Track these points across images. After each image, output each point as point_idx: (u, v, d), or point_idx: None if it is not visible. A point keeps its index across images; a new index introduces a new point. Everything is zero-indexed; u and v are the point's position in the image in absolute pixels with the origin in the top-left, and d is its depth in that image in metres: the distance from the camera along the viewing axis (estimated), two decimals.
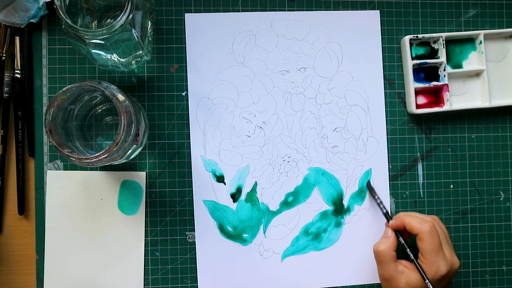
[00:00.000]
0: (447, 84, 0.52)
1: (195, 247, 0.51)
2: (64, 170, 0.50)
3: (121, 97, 0.41)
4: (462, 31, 0.55)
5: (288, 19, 0.53)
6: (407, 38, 0.52)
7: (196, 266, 0.51)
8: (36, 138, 0.50)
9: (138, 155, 0.51)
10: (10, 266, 0.50)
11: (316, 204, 0.52)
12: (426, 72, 0.53)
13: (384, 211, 0.50)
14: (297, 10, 0.53)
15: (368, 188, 0.53)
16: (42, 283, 0.50)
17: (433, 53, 0.53)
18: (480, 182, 0.55)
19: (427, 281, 0.43)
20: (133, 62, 0.48)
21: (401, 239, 0.47)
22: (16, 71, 0.49)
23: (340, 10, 0.53)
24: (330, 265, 0.52)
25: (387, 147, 0.53)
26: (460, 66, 0.54)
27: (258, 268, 0.52)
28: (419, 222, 0.45)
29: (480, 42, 0.53)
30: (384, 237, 0.48)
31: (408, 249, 0.46)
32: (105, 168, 0.51)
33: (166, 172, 0.51)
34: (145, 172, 0.51)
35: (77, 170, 0.50)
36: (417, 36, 0.52)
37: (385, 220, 0.50)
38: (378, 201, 0.51)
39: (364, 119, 0.53)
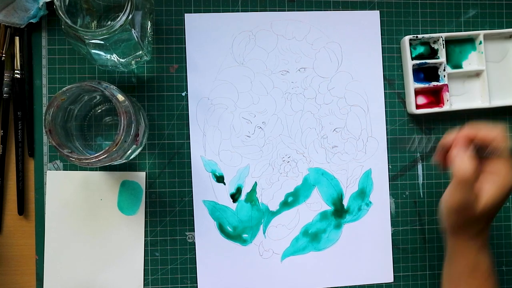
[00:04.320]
0: (447, 84, 0.52)
1: (195, 247, 0.51)
2: (64, 170, 0.50)
3: (120, 97, 0.41)
4: (462, 31, 0.55)
5: (288, 19, 0.53)
6: (407, 38, 0.52)
7: (196, 266, 0.51)
8: (35, 138, 0.50)
9: (138, 155, 0.51)
10: (10, 266, 0.50)
11: (316, 204, 0.52)
12: (426, 72, 0.53)
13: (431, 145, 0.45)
14: (297, 10, 0.53)
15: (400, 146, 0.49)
16: (42, 283, 0.50)
17: (433, 53, 0.53)
18: None
19: None
20: (133, 62, 0.48)
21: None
22: (16, 71, 0.49)
23: (340, 10, 0.53)
24: (330, 265, 0.52)
25: (387, 147, 0.53)
26: (460, 66, 0.54)
27: (258, 268, 0.52)
28: (490, 129, 0.40)
29: (480, 42, 0.53)
30: (464, 157, 0.40)
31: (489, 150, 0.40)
32: (105, 168, 0.51)
33: (166, 172, 0.51)
34: (145, 172, 0.51)
35: (77, 170, 0.50)
36: (417, 36, 0.52)
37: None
38: (415, 143, 0.46)
39: (364, 119, 0.53)
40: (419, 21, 0.54)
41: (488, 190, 0.40)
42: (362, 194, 0.53)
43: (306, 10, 0.53)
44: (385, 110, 0.53)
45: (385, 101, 0.53)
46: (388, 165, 0.53)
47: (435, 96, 0.53)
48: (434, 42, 0.53)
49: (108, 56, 0.44)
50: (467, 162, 0.39)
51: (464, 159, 0.40)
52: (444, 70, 0.52)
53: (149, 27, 0.46)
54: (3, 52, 0.49)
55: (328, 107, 0.53)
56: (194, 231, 0.51)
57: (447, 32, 0.54)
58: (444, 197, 0.42)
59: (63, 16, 0.40)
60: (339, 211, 0.53)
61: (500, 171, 0.40)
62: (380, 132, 0.53)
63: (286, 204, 0.52)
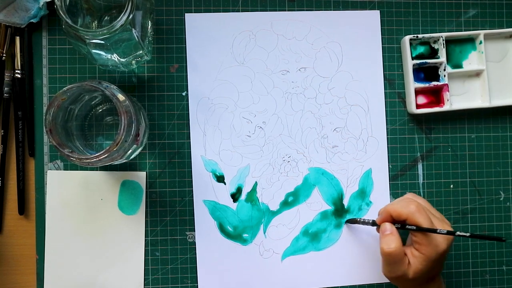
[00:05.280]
0: (447, 84, 0.52)
1: (195, 247, 0.51)
2: (64, 170, 0.50)
3: (121, 97, 0.41)
4: (462, 31, 0.55)
5: (288, 19, 0.53)
6: (407, 38, 0.52)
7: (196, 266, 0.51)
8: (36, 138, 0.50)
9: (138, 155, 0.51)
10: (10, 266, 0.50)
11: (316, 204, 0.52)
12: (426, 72, 0.53)
13: (371, 221, 0.48)
14: (297, 10, 0.53)
15: (350, 223, 0.52)
16: (42, 283, 0.50)
17: (433, 53, 0.53)
18: (480, 182, 0.55)
19: (438, 230, 0.41)
20: (133, 62, 0.48)
21: (397, 225, 0.45)
22: (16, 71, 0.49)
23: (340, 10, 0.53)
24: (330, 265, 0.52)
25: (387, 147, 0.53)
26: (460, 66, 0.54)
27: (258, 268, 0.52)
28: (404, 206, 0.43)
29: (480, 42, 0.53)
30: (387, 235, 0.44)
31: (408, 226, 0.43)
32: (105, 168, 0.51)
33: (166, 172, 0.51)
34: (145, 172, 0.51)
35: (77, 170, 0.50)
36: (417, 36, 0.52)
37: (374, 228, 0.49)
38: (361, 221, 0.50)
39: (364, 119, 0.53)
40: (419, 21, 0.54)
41: (415, 260, 0.43)
42: (362, 193, 0.53)
43: (306, 10, 0.53)
44: (385, 110, 0.53)
45: (385, 101, 0.53)
46: (388, 165, 0.53)
47: (435, 95, 0.53)
48: (434, 41, 0.53)
49: (109, 56, 0.44)
50: (390, 240, 0.43)
51: (388, 237, 0.44)
52: (444, 69, 0.52)
53: (149, 26, 0.46)
54: (4, 52, 0.49)
55: (329, 106, 0.53)
56: (194, 231, 0.51)
57: (447, 32, 0.54)
58: (381, 267, 0.46)
59: (63, 16, 0.40)
60: (340, 211, 0.53)
61: (423, 242, 0.42)
62: (380, 131, 0.53)
63: (286, 204, 0.52)
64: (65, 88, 0.40)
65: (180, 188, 0.51)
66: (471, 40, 0.54)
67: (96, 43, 0.42)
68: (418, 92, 0.53)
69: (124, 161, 0.47)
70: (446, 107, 0.52)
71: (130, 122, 0.41)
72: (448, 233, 0.41)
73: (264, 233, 0.52)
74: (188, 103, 0.52)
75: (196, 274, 0.51)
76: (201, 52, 0.52)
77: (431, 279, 0.45)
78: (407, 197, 0.47)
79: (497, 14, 0.55)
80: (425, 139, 0.54)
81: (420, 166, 0.54)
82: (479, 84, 0.54)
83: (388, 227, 0.45)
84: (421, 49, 0.53)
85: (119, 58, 0.45)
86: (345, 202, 0.53)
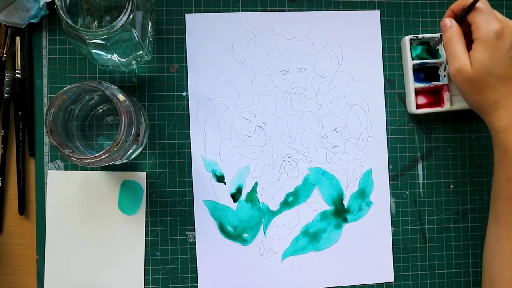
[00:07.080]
0: (447, 84, 0.52)
1: (195, 247, 0.51)
2: (64, 170, 0.50)
3: (121, 97, 0.41)
4: None
5: (288, 19, 0.53)
6: (407, 38, 0.52)
7: (196, 266, 0.51)
8: (36, 138, 0.50)
9: (139, 155, 0.51)
10: (10, 266, 0.50)
11: (316, 204, 0.52)
12: (426, 72, 0.53)
13: (438, 36, 0.49)
14: (297, 10, 0.53)
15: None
16: (43, 283, 0.50)
17: (433, 53, 0.53)
18: (480, 182, 0.55)
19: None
20: (134, 62, 0.48)
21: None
22: (16, 71, 0.49)
23: (340, 10, 0.53)
24: (330, 265, 0.52)
25: (387, 147, 0.53)
26: None
27: (258, 268, 0.52)
28: (487, 21, 0.42)
29: None
30: (447, 29, 0.44)
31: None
32: (105, 168, 0.51)
33: (166, 172, 0.51)
34: (145, 172, 0.51)
35: (78, 170, 0.50)
36: (417, 36, 0.52)
37: None
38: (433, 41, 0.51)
39: (364, 119, 0.53)
40: (419, 21, 0.54)
41: (473, 47, 0.43)
42: (363, 194, 0.53)
43: (307, 10, 0.53)
44: (386, 110, 0.53)
45: (385, 101, 0.54)
46: (389, 165, 0.53)
47: (435, 96, 0.53)
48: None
49: (109, 56, 0.44)
50: (446, 19, 0.45)
51: (445, 19, 0.45)
52: (444, 70, 0.52)
53: (149, 27, 0.46)
54: (4, 52, 0.49)
55: (329, 107, 0.53)
56: (194, 231, 0.51)
57: None
58: (450, 73, 0.44)
59: (64, 16, 0.40)
60: (340, 211, 0.53)
61: (475, 22, 0.43)
62: (380, 132, 0.53)
63: (286, 204, 0.52)
64: (65, 88, 0.40)
65: (180, 188, 0.51)
66: None
67: (96, 43, 0.42)
68: (418, 92, 0.53)
69: (124, 161, 0.47)
70: (446, 107, 0.52)
71: (130, 122, 0.41)
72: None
73: (264, 233, 0.52)
74: (188, 103, 0.52)
75: (196, 274, 0.51)
76: (201, 52, 0.52)
77: (494, 101, 0.43)
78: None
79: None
80: (425, 139, 0.54)
81: (420, 166, 0.54)
82: None
83: (447, 21, 0.45)
84: (421, 49, 0.53)
85: (119, 58, 0.45)
86: (345, 202, 0.53)
